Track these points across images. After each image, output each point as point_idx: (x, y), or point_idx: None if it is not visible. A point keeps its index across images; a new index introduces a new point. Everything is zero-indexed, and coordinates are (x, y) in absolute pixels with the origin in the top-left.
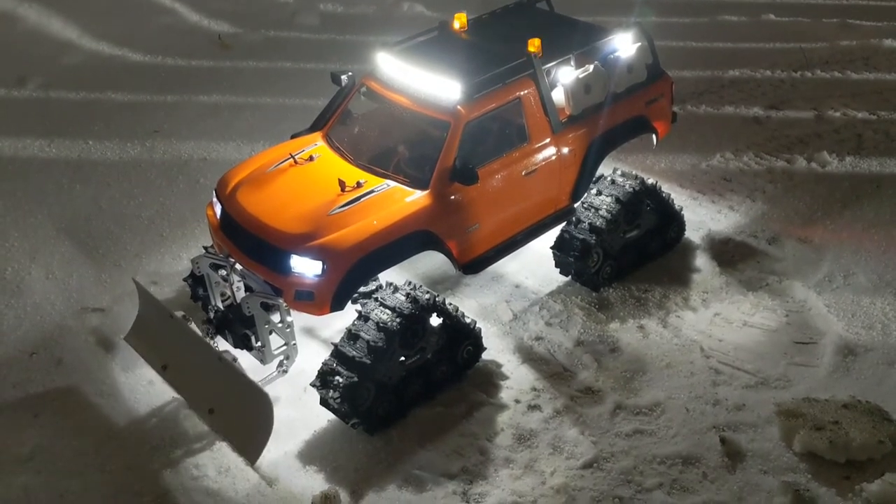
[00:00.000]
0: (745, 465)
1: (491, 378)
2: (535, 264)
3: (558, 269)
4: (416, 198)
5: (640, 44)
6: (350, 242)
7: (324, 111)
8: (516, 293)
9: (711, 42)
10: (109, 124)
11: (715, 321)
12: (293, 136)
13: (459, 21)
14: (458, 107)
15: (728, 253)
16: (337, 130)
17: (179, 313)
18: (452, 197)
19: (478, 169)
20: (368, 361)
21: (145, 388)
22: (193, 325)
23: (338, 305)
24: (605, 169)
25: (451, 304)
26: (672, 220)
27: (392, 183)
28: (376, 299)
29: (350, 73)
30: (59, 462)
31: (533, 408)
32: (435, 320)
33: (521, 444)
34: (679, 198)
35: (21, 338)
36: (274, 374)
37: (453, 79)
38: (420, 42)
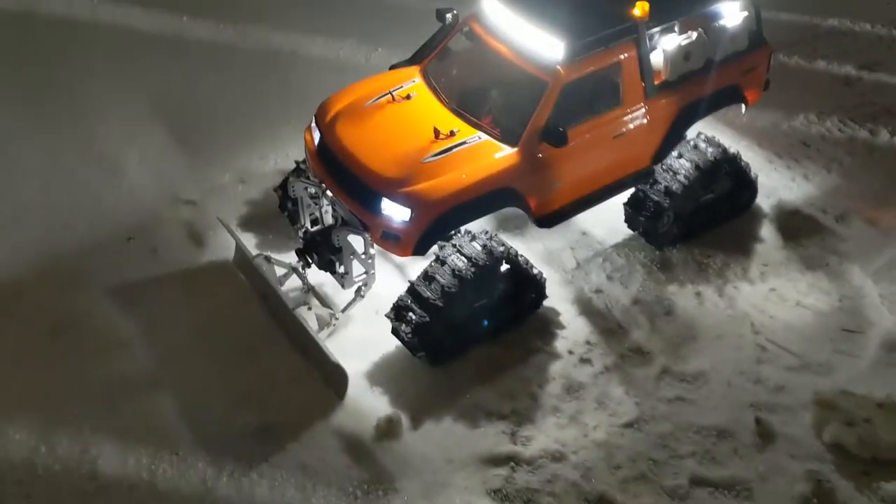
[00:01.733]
0: (775, 447)
1: (548, 326)
2: (604, 214)
3: (627, 224)
4: (505, 154)
5: (746, 13)
6: (439, 195)
7: (425, 45)
8: (582, 241)
9: None
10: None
11: (770, 297)
12: (392, 67)
13: None
14: (559, 67)
15: (794, 226)
16: (435, 68)
17: (261, 255)
18: (540, 156)
19: (569, 129)
20: (441, 304)
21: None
22: (274, 268)
23: (420, 250)
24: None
25: (521, 255)
26: (747, 187)
27: (483, 136)
28: (454, 245)
29: (455, 12)
30: (154, 350)
31: (584, 361)
32: (504, 268)
33: (570, 395)
34: (755, 160)
35: (119, 221)
36: (354, 298)
37: (557, 37)
38: None
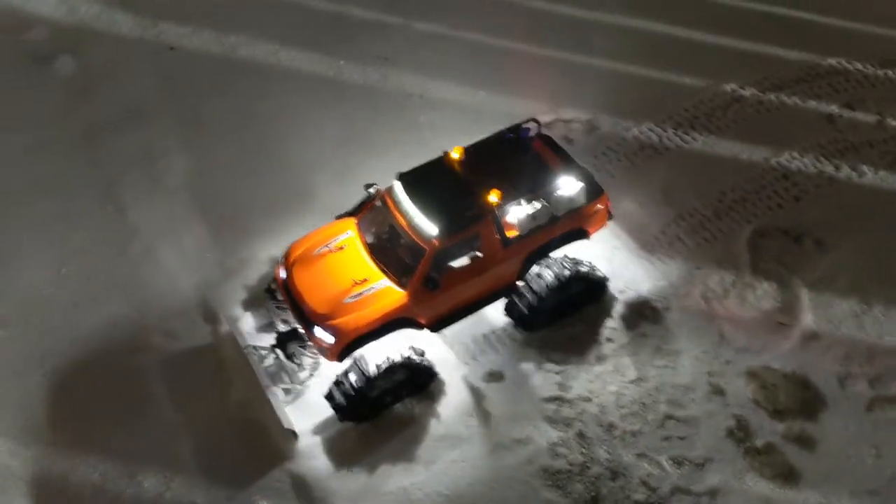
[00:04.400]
0: (719, 399)
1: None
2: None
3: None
4: (399, 295)
5: (581, 184)
6: (351, 327)
7: (360, 203)
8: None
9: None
10: (352, 44)
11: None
12: (337, 217)
13: (457, 153)
14: (433, 240)
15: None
16: (363, 222)
17: (249, 346)
18: (424, 295)
19: (444, 275)
20: (350, 395)
21: None
22: (258, 354)
23: (340, 359)
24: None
25: (413, 356)
26: (596, 287)
27: (386, 282)
28: (356, 361)
29: (377, 186)
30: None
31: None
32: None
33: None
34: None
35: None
36: (309, 376)
37: (433, 220)
38: (422, 172)
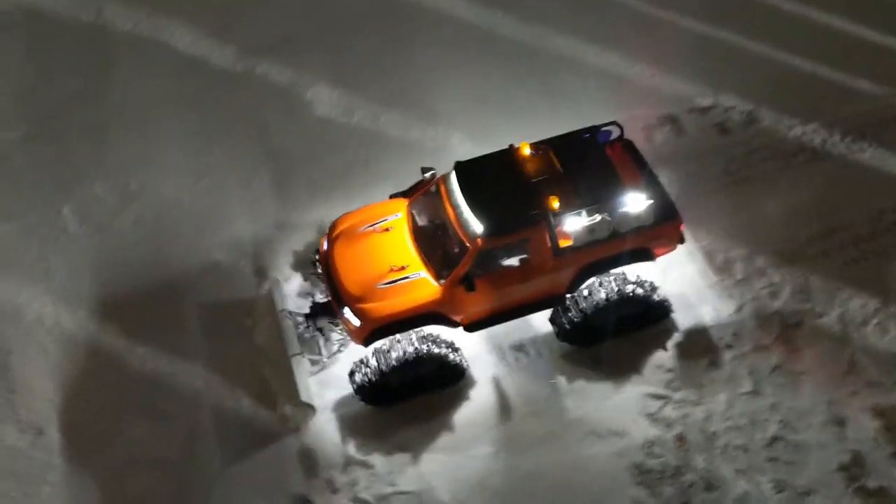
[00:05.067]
0: None
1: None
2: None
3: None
4: (434, 290)
5: (651, 203)
6: (379, 315)
7: (414, 185)
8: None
9: None
10: None
11: None
12: (391, 196)
13: (523, 149)
14: (477, 239)
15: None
16: (415, 205)
17: (284, 310)
18: (460, 294)
19: (486, 276)
20: (370, 380)
21: None
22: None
23: (366, 344)
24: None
25: (443, 350)
26: (656, 310)
27: (423, 273)
28: (381, 349)
29: (434, 171)
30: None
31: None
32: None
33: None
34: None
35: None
36: (336, 351)
37: (481, 217)
38: (482, 163)
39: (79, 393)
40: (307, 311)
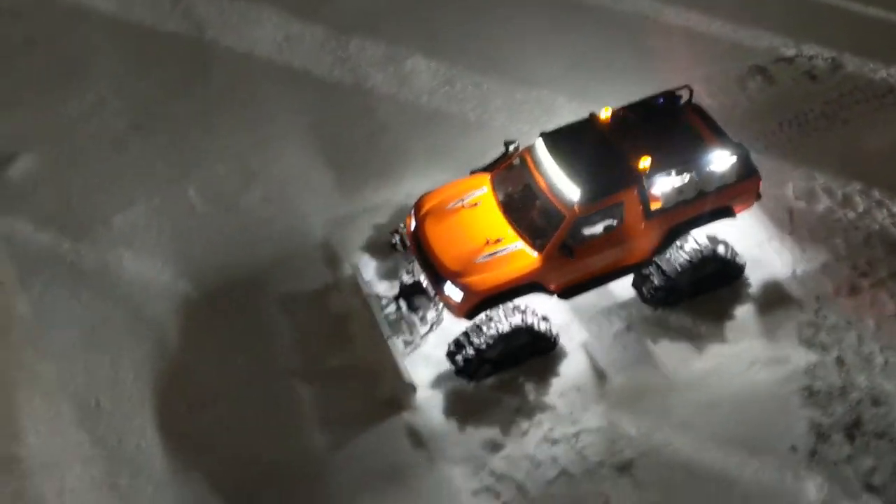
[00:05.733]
0: None
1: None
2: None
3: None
4: (533, 259)
5: (735, 158)
6: (482, 287)
7: (496, 160)
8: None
9: None
10: None
11: None
12: (472, 172)
13: (605, 114)
14: (574, 206)
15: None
16: (499, 179)
17: (372, 295)
18: (558, 261)
19: (581, 244)
20: (474, 351)
21: None
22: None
23: (469, 317)
24: None
25: (537, 320)
26: (732, 268)
27: (520, 244)
28: (489, 318)
29: (517, 143)
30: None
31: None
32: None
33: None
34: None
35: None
36: (428, 331)
37: (575, 183)
38: (567, 132)
39: (205, 371)
40: (395, 293)
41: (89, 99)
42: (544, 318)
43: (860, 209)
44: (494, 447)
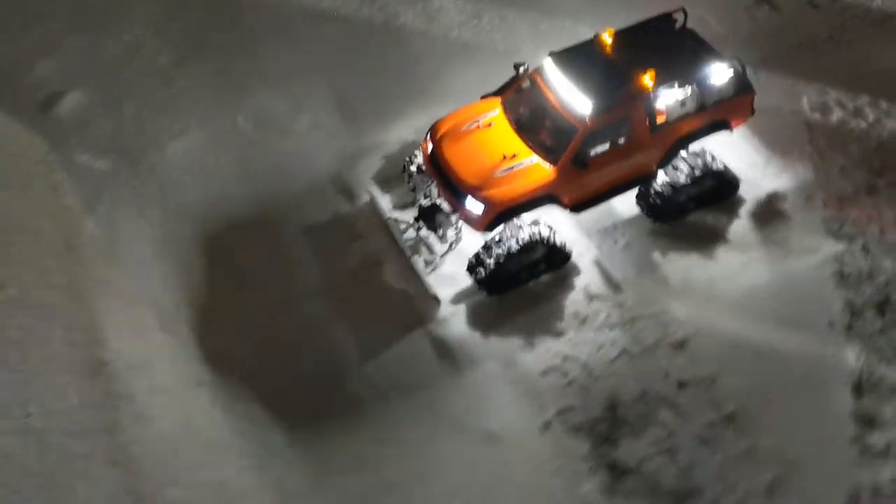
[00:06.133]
0: None
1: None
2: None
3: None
4: (548, 172)
5: (732, 71)
6: (502, 198)
7: (505, 83)
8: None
9: None
10: None
11: None
12: (483, 97)
13: (608, 36)
14: (587, 119)
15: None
16: (510, 101)
17: (391, 218)
18: (571, 174)
19: (593, 157)
20: (495, 264)
21: None
22: (399, 225)
23: (489, 230)
24: None
25: (553, 235)
26: (728, 184)
27: (535, 158)
28: (509, 230)
29: (526, 65)
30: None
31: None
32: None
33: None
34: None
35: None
36: (448, 250)
37: (587, 96)
38: (574, 52)
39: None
40: (414, 216)
41: (125, 40)
42: (557, 232)
43: (870, 119)
44: (557, 334)
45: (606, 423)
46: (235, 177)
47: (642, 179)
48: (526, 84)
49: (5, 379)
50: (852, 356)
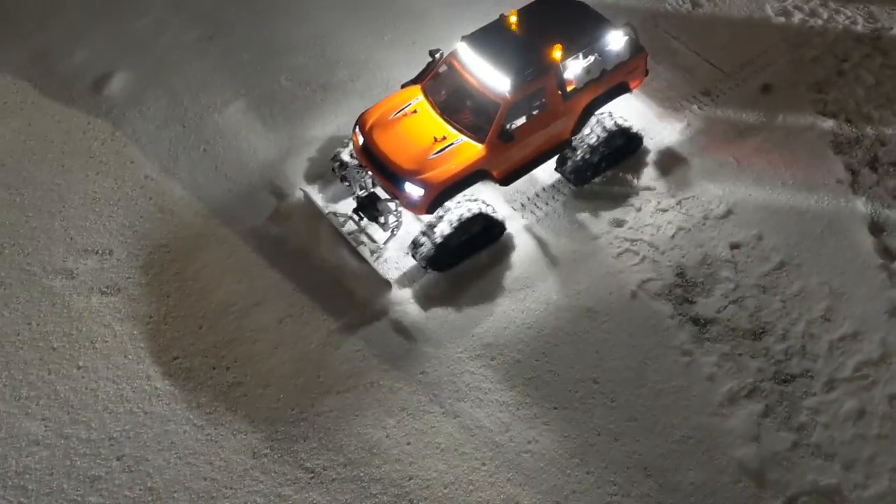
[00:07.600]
0: None
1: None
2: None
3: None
4: (478, 149)
5: (627, 37)
6: (440, 179)
7: (422, 71)
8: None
9: None
10: None
11: None
12: (403, 86)
13: (512, 15)
14: (507, 94)
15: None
16: (430, 87)
17: (331, 212)
18: (499, 148)
19: (515, 130)
20: (437, 242)
21: None
22: (339, 219)
23: (430, 211)
24: None
25: (489, 209)
26: (634, 140)
27: (463, 138)
28: (447, 209)
29: (441, 50)
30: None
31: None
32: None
33: None
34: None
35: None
36: (390, 237)
37: (504, 73)
38: (485, 33)
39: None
40: (353, 208)
41: (145, 21)
42: (491, 208)
43: (825, 17)
44: (619, 223)
45: (681, 287)
46: (292, 131)
47: (561, 147)
48: (443, 69)
49: None
50: (861, 205)
